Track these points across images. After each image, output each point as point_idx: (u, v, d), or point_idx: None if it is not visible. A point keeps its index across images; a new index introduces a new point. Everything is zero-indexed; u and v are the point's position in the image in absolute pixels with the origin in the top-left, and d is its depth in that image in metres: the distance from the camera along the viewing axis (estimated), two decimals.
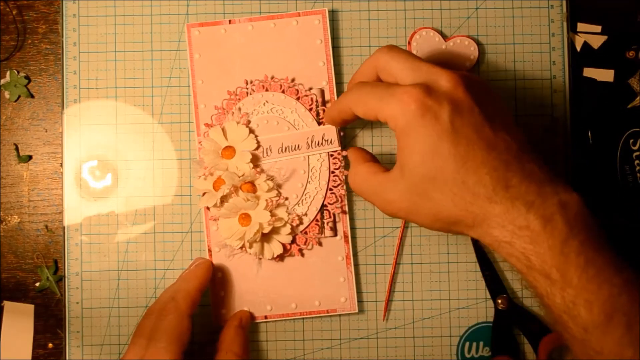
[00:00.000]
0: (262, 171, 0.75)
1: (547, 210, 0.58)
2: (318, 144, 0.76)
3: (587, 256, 0.57)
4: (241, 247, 0.75)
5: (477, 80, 0.65)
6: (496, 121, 0.62)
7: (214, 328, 0.77)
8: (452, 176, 0.60)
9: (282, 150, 0.76)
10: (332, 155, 0.76)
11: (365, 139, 0.79)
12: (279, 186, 0.75)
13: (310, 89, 0.77)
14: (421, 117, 0.60)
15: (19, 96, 0.79)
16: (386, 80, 0.67)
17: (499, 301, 0.78)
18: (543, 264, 0.58)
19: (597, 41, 0.81)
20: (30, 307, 0.79)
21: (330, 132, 0.75)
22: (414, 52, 0.79)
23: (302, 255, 0.76)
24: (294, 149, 0.76)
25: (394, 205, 0.65)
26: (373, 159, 0.71)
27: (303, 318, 0.78)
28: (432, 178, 0.61)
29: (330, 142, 0.76)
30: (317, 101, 0.76)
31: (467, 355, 0.78)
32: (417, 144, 0.61)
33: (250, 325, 0.77)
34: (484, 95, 0.64)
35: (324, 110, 0.76)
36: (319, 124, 0.76)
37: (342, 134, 0.76)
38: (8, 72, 0.79)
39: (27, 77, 0.79)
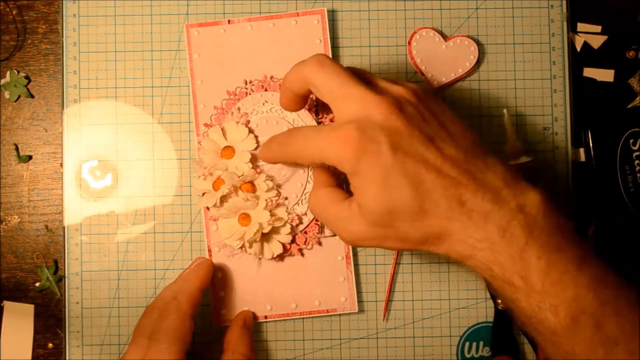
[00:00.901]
0: (262, 171, 0.75)
1: (504, 217, 0.58)
2: None
3: (549, 259, 0.57)
4: (241, 247, 0.75)
5: (411, 98, 0.63)
6: (440, 136, 0.61)
7: (214, 328, 0.77)
8: (407, 205, 0.59)
9: None
10: None
11: None
12: (278, 186, 0.75)
13: None
14: (363, 157, 0.60)
15: (19, 96, 0.79)
16: (316, 94, 0.66)
17: (499, 301, 0.78)
18: (505, 272, 0.58)
19: (597, 41, 0.81)
20: (30, 307, 0.79)
21: None
22: (414, 52, 0.79)
23: (302, 255, 0.76)
24: None
25: (357, 235, 0.64)
26: (336, 182, 0.70)
27: (303, 318, 0.78)
28: (390, 211, 0.60)
29: None
30: (316, 101, 0.76)
31: (467, 355, 0.78)
32: (367, 183, 0.61)
33: (253, 325, 0.77)
34: (424, 111, 0.63)
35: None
36: (319, 124, 0.76)
37: None
38: (8, 72, 0.79)
39: (27, 77, 0.79)
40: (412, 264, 0.79)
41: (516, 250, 0.57)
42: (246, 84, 0.77)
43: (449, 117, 0.64)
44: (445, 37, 0.79)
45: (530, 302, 0.57)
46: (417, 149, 0.60)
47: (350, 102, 0.62)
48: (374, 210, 0.61)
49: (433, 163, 0.60)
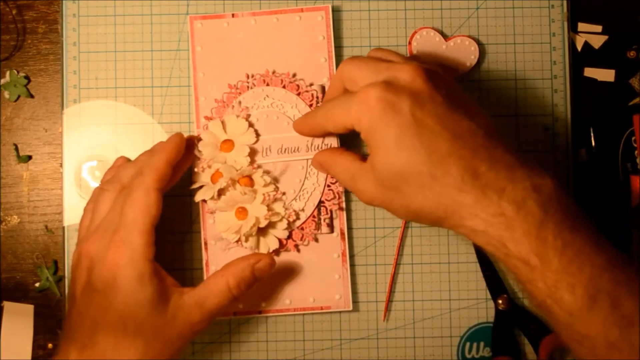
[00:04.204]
0: (260, 166, 0.75)
1: (519, 195, 0.58)
2: (317, 147, 0.75)
3: (564, 238, 0.57)
4: (237, 241, 0.74)
5: (439, 72, 0.64)
6: (460, 110, 0.62)
7: (213, 328, 0.76)
8: (418, 169, 0.60)
9: (281, 151, 0.75)
10: None
11: None
12: (276, 181, 0.75)
13: (311, 84, 0.77)
14: (382, 113, 0.60)
15: (19, 96, 0.79)
16: (352, 89, 0.66)
17: (500, 301, 0.77)
18: (520, 249, 0.57)
19: (597, 41, 0.81)
20: (30, 307, 0.78)
21: (331, 136, 0.75)
22: (414, 52, 0.79)
23: (298, 250, 0.76)
24: (294, 150, 0.76)
25: (367, 194, 0.65)
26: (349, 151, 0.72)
27: (303, 317, 0.77)
28: (399, 172, 0.61)
29: (330, 146, 0.75)
30: (317, 97, 0.76)
31: (468, 356, 0.78)
32: (381, 140, 0.61)
33: (266, 273, 0.71)
34: (447, 85, 0.63)
35: None
36: None
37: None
38: (8, 72, 0.79)
39: (26, 77, 0.79)
40: (412, 264, 0.78)
41: (532, 228, 0.57)
42: (248, 77, 0.77)
43: (469, 98, 0.65)
44: (445, 37, 0.79)
45: (546, 282, 0.57)
46: (439, 113, 0.60)
47: (378, 73, 0.63)
48: (384, 169, 0.61)
49: (452, 130, 0.60)
